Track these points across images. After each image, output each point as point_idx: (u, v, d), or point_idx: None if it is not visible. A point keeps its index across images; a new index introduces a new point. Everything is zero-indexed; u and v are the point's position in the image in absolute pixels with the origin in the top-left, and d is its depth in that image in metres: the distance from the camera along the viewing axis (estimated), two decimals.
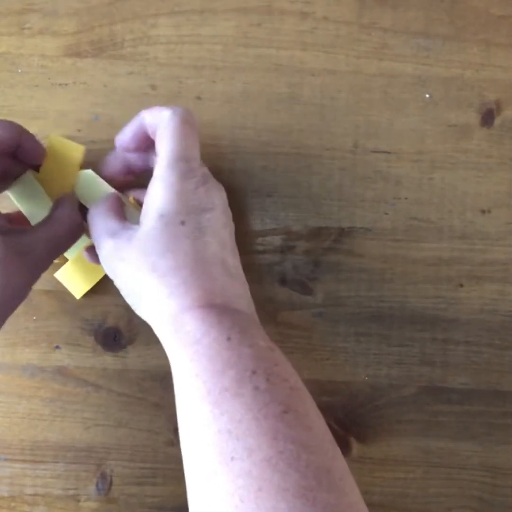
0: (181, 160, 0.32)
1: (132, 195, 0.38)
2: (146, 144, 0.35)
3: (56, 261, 0.39)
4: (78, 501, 0.41)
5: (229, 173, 0.40)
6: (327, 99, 0.40)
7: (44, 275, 0.39)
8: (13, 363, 0.40)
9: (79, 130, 0.40)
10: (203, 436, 0.27)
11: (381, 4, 0.40)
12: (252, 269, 0.39)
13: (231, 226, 0.34)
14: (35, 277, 0.34)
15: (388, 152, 0.40)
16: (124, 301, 0.40)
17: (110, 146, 0.37)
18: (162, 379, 0.40)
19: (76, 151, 0.37)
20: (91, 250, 0.38)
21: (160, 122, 0.32)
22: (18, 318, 0.40)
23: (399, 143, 0.40)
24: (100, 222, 0.34)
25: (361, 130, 0.40)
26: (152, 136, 0.34)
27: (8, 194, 0.37)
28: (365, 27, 0.40)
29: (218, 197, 0.33)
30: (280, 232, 0.40)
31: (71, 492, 0.41)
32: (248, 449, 0.25)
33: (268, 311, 0.40)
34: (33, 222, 0.37)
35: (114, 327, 0.40)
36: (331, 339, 0.40)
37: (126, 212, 0.35)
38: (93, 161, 0.38)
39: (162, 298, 0.31)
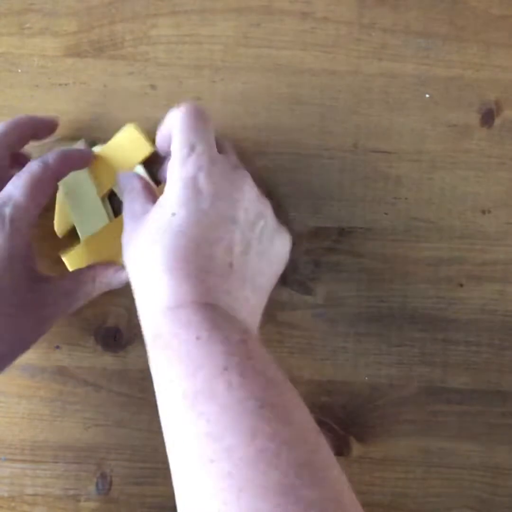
0: (182, 147, 0.32)
1: None
2: None
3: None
4: (78, 501, 0.41)
5: None
6: (327, 99, 0.40)
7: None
8: (13, 363, 0.40)
9: (79, 130, 0.40)
10: (183, 440, 0.27)
11: (381, 4, 0.40)
12: None
13: (234, 216, 0.32)
14: (41, 332, 0.36)
15: (388, 152, 0.40)
16: (124, 301, 0.40)
17: None
18: None
19: (142, 149, 0.38)
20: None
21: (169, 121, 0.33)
22: None
23: (399, 143, 0.40)
24: (127, 202, 0.35)
25: (361, 130, 0.40)
26: None
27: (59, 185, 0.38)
28: (365, 27, 0.40)
29: (226, 186, 0.32)
30: None
31: (71, 492, 0.41)
32: (227, 450, 0.25)
33: (268, 311, 0.40)
34: (77, 219, 0.38)
35: (114, 327, 0.40)
36: (331, 339, 0.40)
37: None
38: None
39: (148, 295, 0.31)
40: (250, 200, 0.32)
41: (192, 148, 0.32)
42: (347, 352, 0.40)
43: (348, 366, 0.40)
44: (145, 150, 0.38)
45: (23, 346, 0.36)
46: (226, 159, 0.33)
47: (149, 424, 0.41)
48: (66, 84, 0.40)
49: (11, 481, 0.41)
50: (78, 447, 0.41)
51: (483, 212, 0.40)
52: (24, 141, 0.37)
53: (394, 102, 0.40)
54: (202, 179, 0.31)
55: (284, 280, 0.40)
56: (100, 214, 0.39)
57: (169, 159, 0.33)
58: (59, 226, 0.39)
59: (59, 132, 0.39)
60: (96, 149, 0.38)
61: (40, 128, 0.37)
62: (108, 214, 0.39)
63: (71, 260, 0.38)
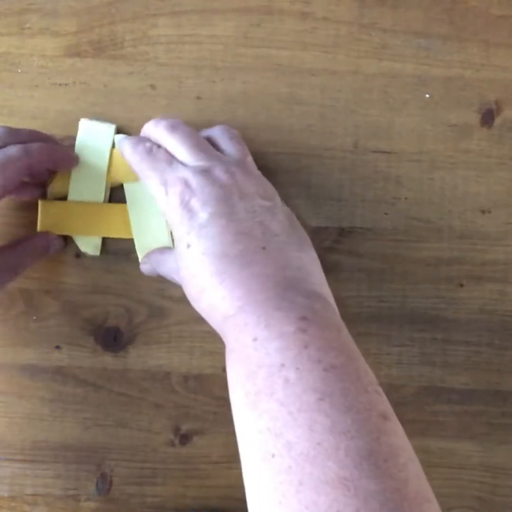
0: (157, 190, 0.33)
1: None
2: None
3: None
4: (78, 501, 0.41)
5: None
6: (327, 99, 0.40)
7: (44, 275, 0.39)
8: (13, 363, 0.40)
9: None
10: (247, 437, 0.28)
11: (381, 4, 0.40)
12: None
13: (235, 210, 0.32)
14: None
15: (388, 152, 0.40)
16: (124, 301, 0.40)
17: None
18: (162, 379, 0.40)
19: None
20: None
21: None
22: (18, 318, 0.40)
23: (399, 143, 0.40)
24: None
25: (361, 130, 0.40)
26: None
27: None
28: (365, 27, 0.40)
29: (216, 189, 0.32)
30: None
31: (71, 492, 0.41)
32: (286, 445, 0.25)
33: None
34: (74, 183, 0.38)
35: (114, 327, 0.40)
36: None
37: None
38: None
39: (213, 314, 0.32)
40: (244, 187, 0.33)
41: (164, 184, 0.33)
42: None
43: None
44: None
45: None
46: (209, 161, 0.33)
47: (149, 424, 0.41)
48: (66, 84, 0.40)
49: (11, 481, 0.41)
50: (78, 447, 0.41)
51: (483, 212, 0.40)
52: (41, 168, 0.37)
53: (394, 102, 0.40)
54: (188, 200, 0.32)
55: None
56: (98, 191, 0.39)
57: None
58: (54, 187, 0.39)
59: (59, 131, 0.39)
60: (121, 137, 0.39)
61: (59, 162, 0.38)
62: (105, 196, 0.39)
63: (45, 209, 0.39)
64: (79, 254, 0.40)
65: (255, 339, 0.28)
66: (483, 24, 0.40)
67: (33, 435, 0.41)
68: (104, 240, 0.40)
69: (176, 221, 0.32)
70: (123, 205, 0.39)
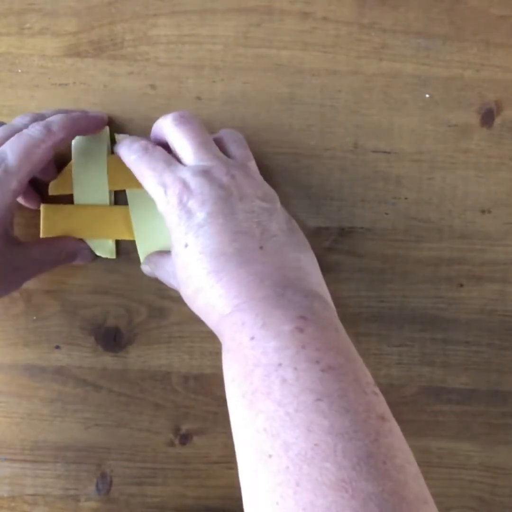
0: (155, 191, 0.33)
1: None
2: None
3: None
4: (78, 501, 0.41)
5: None
6: (327, 99, 0.40)
7: (44, 275, 0.39)
8: (13, 363, 0.40)
9: None
10: (244, 436, 0.27)
11: (381, 4, 0.40)
12: None
13: (234, 210, 0.32)
14: (4, 293, 0.37)
15: (388, 152, 0.40)
16: (124, 301, 0.40)
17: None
18: (162, 379, 0.40)
19: None
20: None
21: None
22: (18, 318, 0.40)
23: (399, 143, 0.40)
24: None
25: (361, 130, 0.40)
26: None
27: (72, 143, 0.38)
28: (365, 27, 0.40)
29: (214, 188, 0.32)
30: None
31: (71, 492, 0.41)
32: (284, 446, 0.25)
33: None
34: (77, 193, 0.38)
35: (114, 327, 0.40)
36: None
37: None
38: None
39: (209, 314, 0.32)
40: (244, 188, 0.33)
41: (163, 184, 0.32)
42: None
43: None
44: None
45: None
46: (211, 161, 0.33)
47: (149, 424, 0.41)
48: (66, 84, 0.40)
49: (11, 481, 0.41)
50: (78, 447, 0.41)
51: (483, 212, 0.40)
52: (73, 137, 0.37)
53: (394, 102, 0.40)
54: (187, 200, 0.32)
55: None
56: (102, 194, 0.39)
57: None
58: (56, 186, 0.39)
59: None
60: (122, 137, 0.39)
61: (91, 126, 0.38)
62: (110, 198, 0.39)
63: (47, 213, 0.39)
64: None
65: (252, 338, 0.28)
66: (483, 24, 0.40)
67: (33, 435, 0.41)
68: None
69: (174, 221, 0.32)
70: (125, 207, 0.39)
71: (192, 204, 0.32)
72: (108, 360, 0.40)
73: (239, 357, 0.29)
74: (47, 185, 0.39)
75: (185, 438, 0.41)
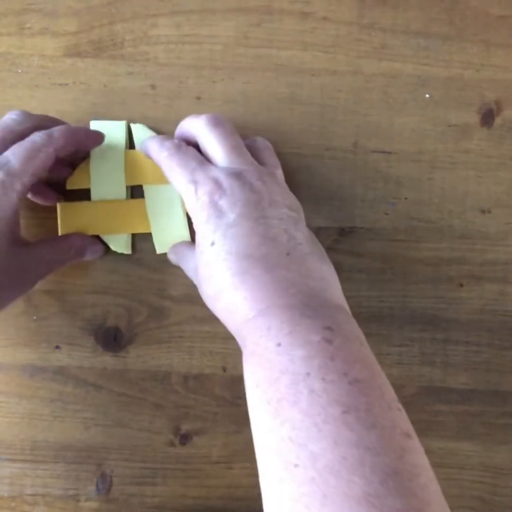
0: (186, 188, 0.33)
1: None
2: None
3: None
4: (78, 501, 0.41)
5: None
6: (327, 99, 0.40)
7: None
8: (13, 363, 0.40)
9: None
10: (268, 444, 0.27)
11: (381, 4, 0.40)
12: None
13: (264, 214, 0.32)
14: (19, 293, 0.37)
15: (388, 152, 0.40)
16: (124, 301, 0.40)
17: None
18: (162, 379, 0.40)
19: None
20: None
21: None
22: (18, 318, 0.40)
23: (399, 143, 0.40)
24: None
25: (361, 130, 0.40)
26: None
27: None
28: (365, 27, 0.40)
29: (245, 191, 0.32)
30: None
31: (71, 492, 0.41)
32: (310, 456, 0.25)
33: None
34: (94, 187, 0.38)
35: (114, 327, 0.40)
36: None
37: None
38: None
39: (231, 316, 0.31)
40: (273, 195, 0.33)
41: (194, 182, 0.32)
42: None
43: None
44: None
45: None
46: (243, 165, 0.33)
47: (149, 424, 0.41)
48: (66, 84, 0.40)
49: (11, 481, 0.41)
50: (78, 447, 0.41)
51: (483, 212, 0.40)
52: (66, 152, 0.37)
53: (394, 102, 0.40)
54: (218, 199, 0.32)
55: None
56: (119, 189, 0.39)
57: None
58: (73, 181, 0.39)
59: None
60: (138, 127, 0.39)
61: (90, 139, 0.38)
62: (127, 193, 0.39)
63: (63, 211, 0.39)
64: None
65: (278, 344, 0.28)
66: (483, 24, 0.40)
67: (33, 435, 0.41)
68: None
69: (202, 219, 0.32)
70: (141, 199, 0.39)
71: (223, 203, 0.32)
72: (108, 360, 0.40)
73: (264, 362, 0.28)
74: (61, 184, 0.39)
75: (185, 438, 0.41)
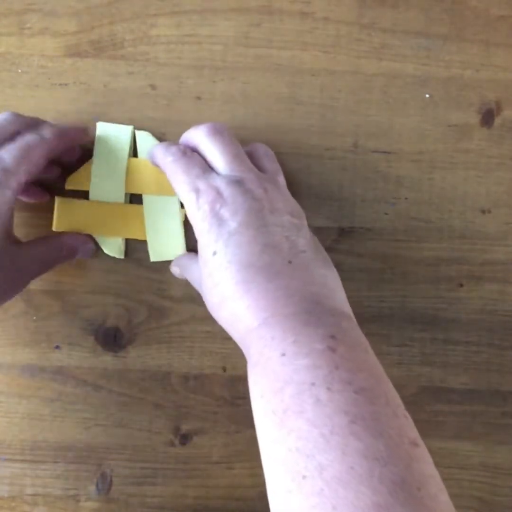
0: (188, 195, 0.33)
1: None
2: None
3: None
4: (78, 501, 0.41)
5: None
6: (327, 99, 0.40)
7: (44, 275, 0.39)
8: (13, 363, 0.40)
9: None
10: (275, 454, 0.27)
11: (381, 4, 0.40)
12: None
13: (265, 222, 0.32)
14: (12, 294, 0.36)
15: (388, 152, 0.40)
16: (124, 301, 0.40)
17: None
18: (162, 379, 0.40)
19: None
20: None
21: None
22: (18, 318, 0.40)
23: (399, 143, 0.40)
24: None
25: (361, 130, 0.40)
26: None
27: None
28: (365, 27, 0.40)
29: (246, 199, 0.32)
30: None
31: (71, 492, 0.41)
32: (318, 467, 0.25)
33: None
34: (93, 189, 0.38)
35: (114, 327, 0.40)
36: None
37: None
38: None
39: (235, 325, 0.31)
40: (275, 202, 0.33)
41: (196, 190, 0.32)
42: None
43: None
44: None
45: None
46: (244, 173, 0.33)
47: (149, 424, 0.41)
48: (66, 84, 0.40)
49: (11, 481, 0.41)
50: (78, 447, 0.41)
51: (483, 212, 0.40)
52: (58, 151, 0.37)
53: (394, 102, 0.40)
54: (219, 208, 0.32)
55: None
56: (118, 192, 0.39)
57: None
58: (73, 181, 0.39)
59: None
60: (143, 134, 0.39)
61: (78, 135, 0.38)
62: (125, 199, 0.39)
63: (61, 207, 0.39)
64: None
65: (283, 354, 0.28)
66: (483, 24, 0.40)
67: (33, 435, 0.41)
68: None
69: (204, 228, 0.32)
70: (139, 206, 0.39)
71: (224, 212, 0.31)
72: (108, 360, 0.40)
73: (268, 372, 0.28)
74: (48, 183, 0.39)
75: (185, 438, 0.41)
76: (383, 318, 0.40)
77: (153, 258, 0.39)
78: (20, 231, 0.40)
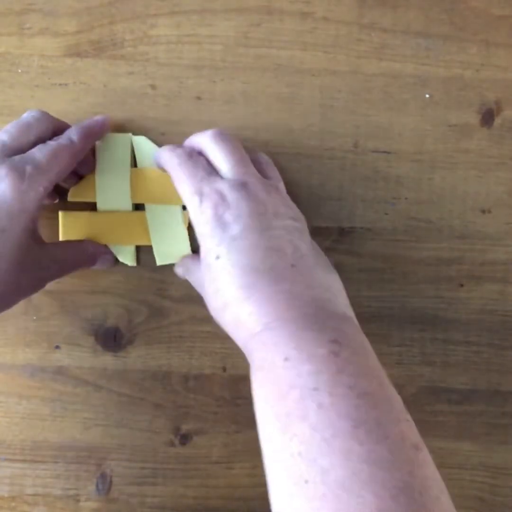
0: (191, 199, 0.33)
1: None
2: None
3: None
4: (78, 501, 0.41)
5: None
6: (327, 99, 0.40)
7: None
8: (13, 363, 0.40)
9: None
10: (278, 459, 0.27)
11: (381, 4, 0.40)
12: None
13: (269, 225, 0.32)
14: (30, 292, 0.37)
15: (388, 152, 0.40)
16: (124, 301, 0.40)
17: None
18: (162, 379, 0.40)
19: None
20: None
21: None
22: (18, 318, 0.40)
23: (399, 143, 0.40)
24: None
25: (361, 130, 0.40)
26: None
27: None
28: (365, 27, 0.40)
29: (250, 204, 0.32)
30: None
31: (71, 492, 0.41)
32: (321, 472, 0.25)
33: None
34: (100, 189, 0.38)
35: (114, 327, 0.40)
36: None
37: None
38: None
39: (238, 330, 0.31)
40: (277, 206, 0.33)
41: (199, 193, 0.32)
42: None
43: None
44: None
45: (6, 305, 0.36)
46: (248, 177, 0.33)
47: (149, 424, 0.41)
48: (66, 84, 0.40)
49: (11, 481, 0.41)
50: (78, 447, 0.41)
51: (483, 212, 0.40)
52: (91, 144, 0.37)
53: (394, 102, 0.40)
54: (222, 212, 0.32)
55: None
56: (124, 200, 0.39)
57: None
58: (76, 193, 0.39)
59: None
60: (140, 139, 0.39)
61: (99, 128, 0.38)
62: (132, 205, 0.39)
63: (65, 220, 0.39)
64: None
65: (286, 359, 0.28)
66: (483, 24, 0.40)
67: (33, 435, 0.41)
68: None
69: (206, 232, 0.32)
70: (142, 212, 0.39)
71: (228, 216, 0.31)
72: (108, 360, 0.40)
73: (272, 377, 0.28)
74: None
75: (185, 438, 0.41)
76: (383, 318, 0.40)
77: (159, 262, 0.39)
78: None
